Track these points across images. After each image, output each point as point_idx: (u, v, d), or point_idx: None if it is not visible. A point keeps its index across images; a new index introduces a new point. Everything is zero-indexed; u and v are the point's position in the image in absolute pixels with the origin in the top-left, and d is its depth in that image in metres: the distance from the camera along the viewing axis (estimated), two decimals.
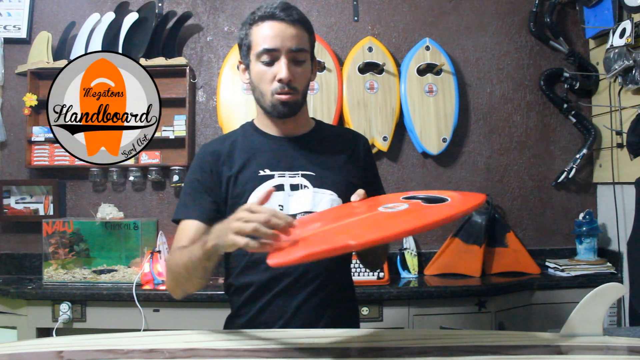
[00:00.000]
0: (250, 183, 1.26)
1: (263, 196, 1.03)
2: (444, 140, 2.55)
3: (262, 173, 1.27)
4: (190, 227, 1.26)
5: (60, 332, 2.14)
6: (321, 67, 2.50)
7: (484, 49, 2.67)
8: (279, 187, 1.26)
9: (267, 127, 1.33)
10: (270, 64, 1.22)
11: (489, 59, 2.67)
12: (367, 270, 2.23)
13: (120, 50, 2.52)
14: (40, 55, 2.52)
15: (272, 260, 0.86)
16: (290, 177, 1.27)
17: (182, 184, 2.47)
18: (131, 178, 2.57)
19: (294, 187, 1.26)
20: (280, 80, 1.21)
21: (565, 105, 2.58)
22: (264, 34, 1.22)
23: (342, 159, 1.33)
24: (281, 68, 1.21)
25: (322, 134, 1.36)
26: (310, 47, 1.28)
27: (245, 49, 1.27)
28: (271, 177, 1.27)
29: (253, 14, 1.25)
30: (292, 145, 1.31)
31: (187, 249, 1.14)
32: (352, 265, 1.86)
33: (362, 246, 0.84)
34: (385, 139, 2.52)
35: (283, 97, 1.23)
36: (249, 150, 1.31)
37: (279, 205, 1.25)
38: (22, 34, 2.62)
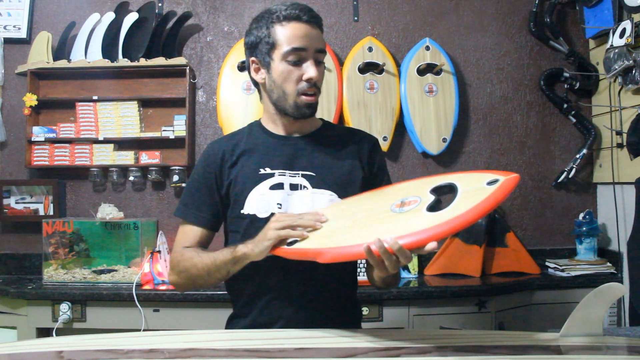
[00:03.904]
0: (250, 181, 1.27)
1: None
2: (444, 140, 2.55)
3: (262, 171, 1.27)
4: (192, 231, 1.32)
5: (60, 332, 2.14)
6: None
7: (484, 49, 2.67)
8: (279, 186, 1.26)
9: (274, 126, 1.33)
10: (297, 63, 1.23)
11: (489, 59, 2.67)
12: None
13: (120, 50, 2.52)
14: (40, 55, 2.52)
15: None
16: (290, 176, 1.27)
17: (184, 183, 2.51)
18: (131, 178, 2.57)
19: (294, 187, 1.26)
20: (309, 80, 1.22)
21: (565, 105, 2.58)
22: (292, 33, 1.22)
23: (345, 159, 1.32)
24: (310, 68, 1.22)
25: (327, 134, 1.36)
26: None
27: (266, 47, 1.25)
28: (271, 175, 1.27)
29: (274, 13, 1.24)
30: (295, 144, 1.31)
31: (209, 253, 1.23)
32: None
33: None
34: (385, 139, 2.52)
35: (309, 98, 1.24)
36: (252, 148, 1.31)
37: (278, 204, 1.25)
38: (22, 34, 2.62)
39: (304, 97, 1.24)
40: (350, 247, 0.99)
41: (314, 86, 1.24)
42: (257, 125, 1.37)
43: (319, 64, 1.25)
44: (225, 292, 1.37)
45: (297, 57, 1.22)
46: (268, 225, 1.13)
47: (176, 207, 1.35)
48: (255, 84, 1.33)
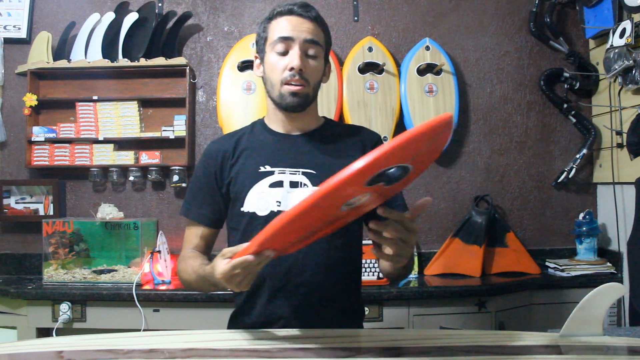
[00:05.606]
0: (250, 179, 1.27)
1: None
2: None
3: (262, 169, 1.27)
4: (196, 229, 1.36)
5: (60, 332, 2.14)
6: None
7: (484, 49, 2.67)
8: (278, 184, 1.26)
9: (275, 124, 1.34)
10: (284, 54, 1.24)
11: (489, 59, 2.67)
12: (377, 271, 2.25)
13: (120, 50, 2.52)
14: (40, 55, 2.52)
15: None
16: (290, 174, 1.27)
17: (184, 183, 2.51)
18: (131, 178, 2.57)
19: (294, 185, 1.26)
20: (291, 69, 1.22)
21: (565, 105, 2.58)
22: (281, 25, 1.25)
23: (347, 157, 1.30)
24: (293, 56, 1.22)
25: (329, 132, 1.36)
26: (325, 45, 1.30)
27: (262, 42, 1.29)
28: (271, 173, 1.27)
29: (272, 10, 1.28)
30: (296, 142, 1.31)
31: (196, 270, 1.22)
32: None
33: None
34: (385, 139, 2.52)
35: (293, 87, 1.23)
36: (252, 146, 1.32)
37: (277, 202, 1.25)
38: (22, 34, 2.62)
39: (286, 86, 1.24)
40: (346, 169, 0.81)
41: (300, 77, 1.23)
42: (259, 124, 1.38)
43: (311, 56, 1.25)
44: (225, 292, 1.37)
45: (284, 46, 1.23)
46: (219, 279, 1.02)
47: (181, 206, 1.39)
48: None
